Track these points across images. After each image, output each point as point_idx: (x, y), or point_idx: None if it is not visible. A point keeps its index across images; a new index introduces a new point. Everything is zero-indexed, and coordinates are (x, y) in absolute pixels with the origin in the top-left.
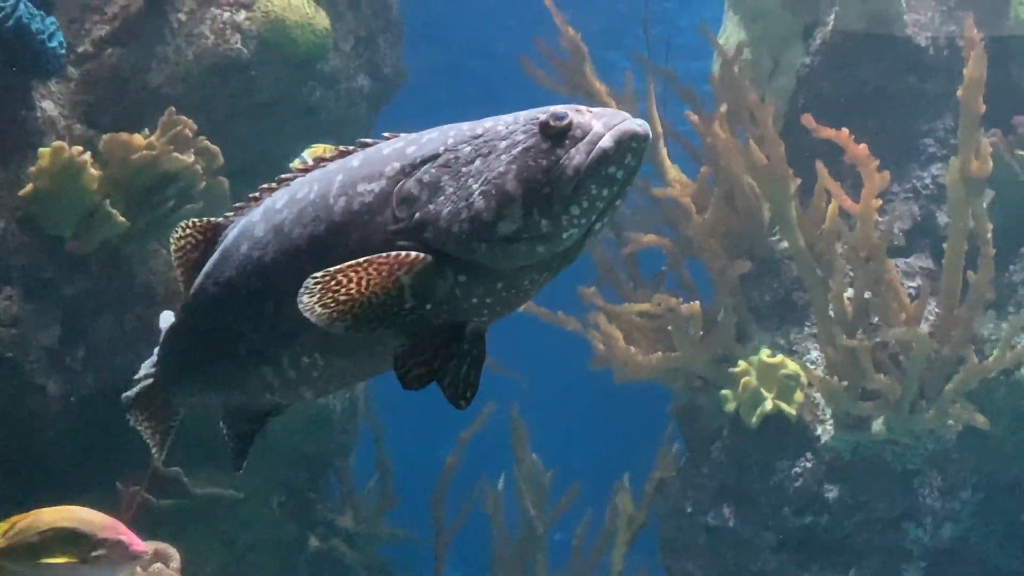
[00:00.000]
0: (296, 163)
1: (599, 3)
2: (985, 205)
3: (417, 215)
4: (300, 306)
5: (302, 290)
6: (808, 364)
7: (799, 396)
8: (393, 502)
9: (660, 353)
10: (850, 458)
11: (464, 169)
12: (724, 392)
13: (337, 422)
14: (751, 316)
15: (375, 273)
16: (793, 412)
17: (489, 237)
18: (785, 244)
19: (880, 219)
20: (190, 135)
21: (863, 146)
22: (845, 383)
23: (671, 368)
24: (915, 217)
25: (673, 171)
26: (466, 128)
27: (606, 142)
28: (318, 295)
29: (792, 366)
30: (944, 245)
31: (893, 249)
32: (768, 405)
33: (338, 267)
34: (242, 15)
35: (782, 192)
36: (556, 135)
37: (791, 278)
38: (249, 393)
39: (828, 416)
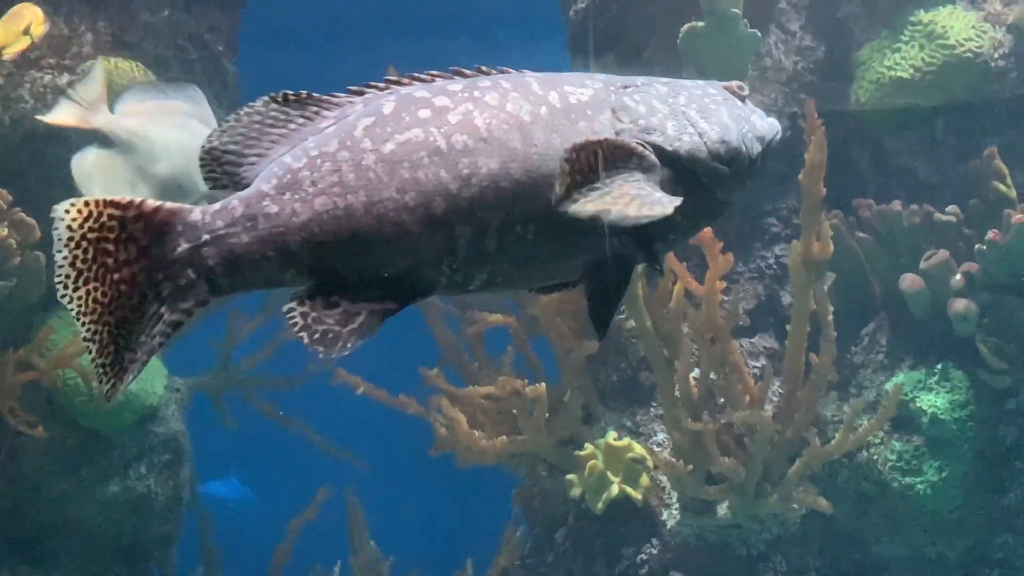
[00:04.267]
0: None
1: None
2: (827, 287)
3: (642, 120)
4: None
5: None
6: (654, 447)
7: (645, 480)
8: None
9: (504, 437)
10: (695, 543)
11: (671, 100)
12: (570, 477)
13: (159, 511)
14: (598, 397)
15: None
16: (639, 497)
17: (711, 153)
18: (632, 323)
19: (725, 299)
20: (4, 206)
21: (707, 228)
22: (691, 467)
23: (516, 452)
24: (760, 297)
25: None
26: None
27: (775, 122)
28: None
29: (638, 449)
30: (787, 326)
31: (738, 329)
32: (614, 490)
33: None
34: (65, 78)
35: None
36: (741, 100)
37: (638, 358)
38: (418, 262)
39: (674, 500)
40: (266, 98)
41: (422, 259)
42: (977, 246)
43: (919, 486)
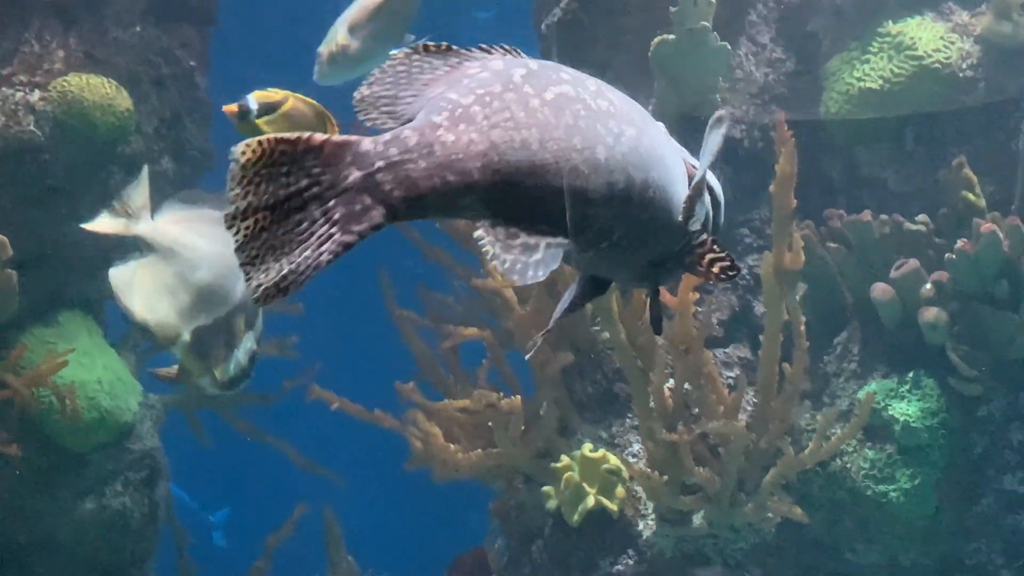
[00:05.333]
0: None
1: None
2: (799, 297)
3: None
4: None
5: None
6: (630, 458)
7: (620, 491)
8: None
9: (480, 450)
10: (671, 554)
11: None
12: (546, 489)
13: (135, 528)
14: (573, 409)
15: None
16: (615, 508)
17: (715, 193)
18: (606, 335)
19: (698, 310)
20: None
21: None
22: (666, 477)
23: (492, 465)
24: (733, 307)
25: None
26: None
27: None
28: None
29: (614, 460)
30: (761, 337)
31: (712, 340)
32: (590, 502)
33: None
34: (36, 95)
35: None
36: None
37: (613, 369)
38: (583, 200)
39: (650, 511)
40: (407, 49)
41: (587, 198)
42: (947, 255)
43: (892, 494)
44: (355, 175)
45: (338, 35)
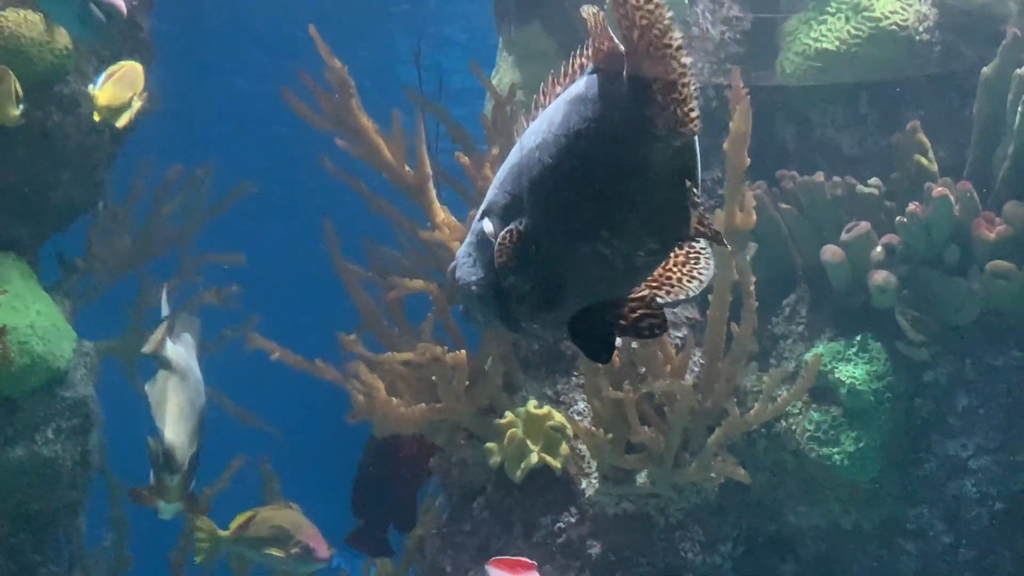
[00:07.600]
0: None
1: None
2: (749, 257)
3: None
4: None
5: None
6: (575, 415)
7: (565, 449)
8: (128, 564)
9: (423, 405)
10: (614, 512)
11: None
12: (489, 445)
13: (66, 477)
14: (519, 365)
15: None
16: (558, 466)
17: None
18: None
19: None
20: None
21: None
22: (610, 436)
23: (435, 420)
24: None
25: (442, 214)
26: None
27: None
28: None
29: (558, 418)
30: (709, 296)
31: None
32: (534, 459)
33: None
34: None
35: None
36: None
37: None
38: None
39: (593, 469)
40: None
41: None
42: (898, 219)
43: (836, 456)
44: None
45: None
